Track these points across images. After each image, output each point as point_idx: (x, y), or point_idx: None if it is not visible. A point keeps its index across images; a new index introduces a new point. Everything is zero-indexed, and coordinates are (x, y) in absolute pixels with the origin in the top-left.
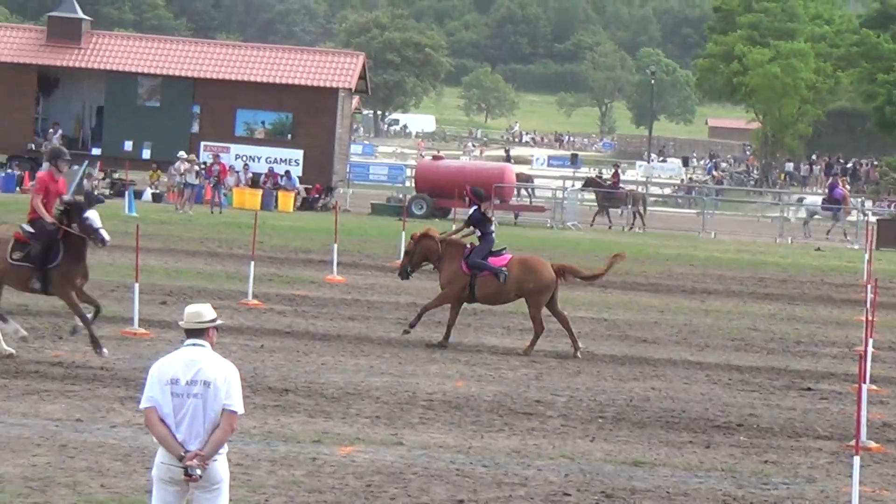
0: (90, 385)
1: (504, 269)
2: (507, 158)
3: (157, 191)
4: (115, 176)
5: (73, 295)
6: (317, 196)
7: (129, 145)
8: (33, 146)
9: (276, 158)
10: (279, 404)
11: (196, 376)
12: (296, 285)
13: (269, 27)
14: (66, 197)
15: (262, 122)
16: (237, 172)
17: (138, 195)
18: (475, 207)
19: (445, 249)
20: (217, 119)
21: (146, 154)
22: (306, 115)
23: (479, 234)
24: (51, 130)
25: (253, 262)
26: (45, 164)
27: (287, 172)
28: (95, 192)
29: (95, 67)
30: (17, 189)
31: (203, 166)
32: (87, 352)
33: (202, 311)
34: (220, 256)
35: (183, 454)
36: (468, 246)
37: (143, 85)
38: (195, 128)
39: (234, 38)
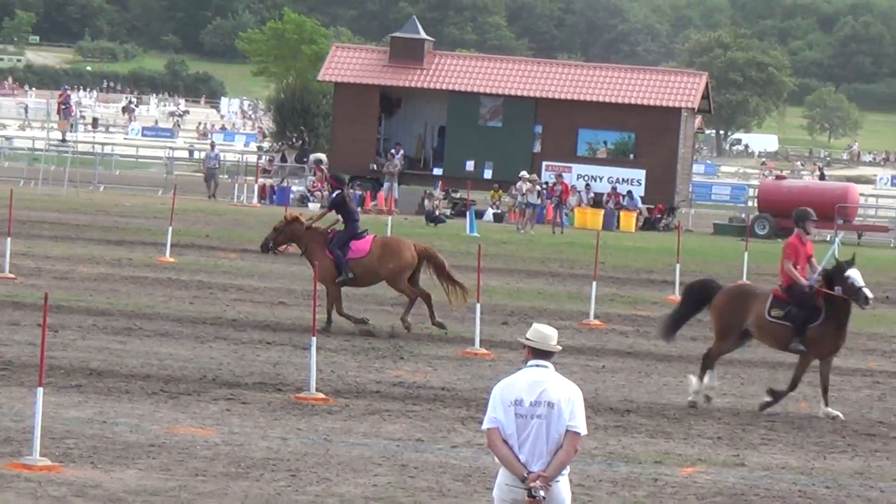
0: (431, 405)
1: (350, 272)
2: (822, 178)
3: (499, 210)
4: (457, 196)
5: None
6: (659, 216)
7: (470, 165)
8: (375, 166)
9: (618, 178)
10: (620, 425)
11: (540, 397)
12: (637, 305)
13: (611, 47)
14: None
15: (605, 142)
16: (579, 192)
17: (479, 215)
18: (337, 192)
19: (310, 237)
20: (559, 139)
21: (488, 174)
22: (649, 134)
23: (341, 218)
24: (392, 151)
25: (595, 282)
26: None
27: (629, 192)
28: (437, 213)
29: (438, 88)
30: (358, 209)
31: (545, 186)
32: (427, 372)
33: (552, 335)
34: (562, 276)
35: (526, 475)
36: (329, 233)
37: (486, 105)
38: (537, 147)
39: (576, 58)
